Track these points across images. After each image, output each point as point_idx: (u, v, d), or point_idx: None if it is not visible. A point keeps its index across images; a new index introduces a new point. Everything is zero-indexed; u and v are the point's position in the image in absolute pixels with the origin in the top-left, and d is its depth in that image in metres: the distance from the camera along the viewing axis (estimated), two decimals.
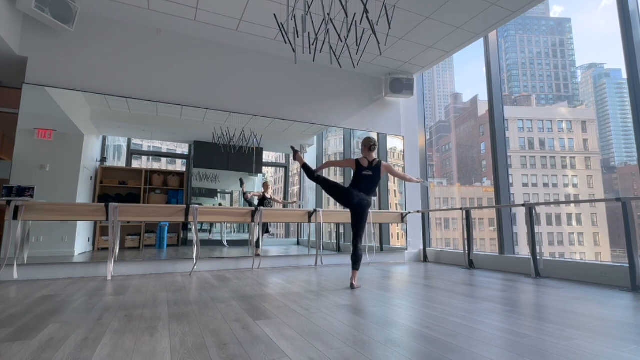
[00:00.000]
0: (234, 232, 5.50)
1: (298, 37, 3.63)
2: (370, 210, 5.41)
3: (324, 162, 3.49)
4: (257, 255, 4.81)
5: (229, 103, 5.00)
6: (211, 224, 5.22)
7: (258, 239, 4.71)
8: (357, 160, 3.46)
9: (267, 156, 5.59)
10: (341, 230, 5.97)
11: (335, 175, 6.04)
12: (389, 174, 3.63)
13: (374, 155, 3.49)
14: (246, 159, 5.25)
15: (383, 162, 3.47)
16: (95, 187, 4.42)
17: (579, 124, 44.79)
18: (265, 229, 5.45)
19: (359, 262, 3.33)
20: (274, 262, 4.93)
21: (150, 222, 4.66)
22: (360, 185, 3.39)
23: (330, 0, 4.11)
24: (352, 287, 3.24)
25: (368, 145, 3.46)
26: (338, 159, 3.32)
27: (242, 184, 5.25)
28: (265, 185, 5.42)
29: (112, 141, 4.67)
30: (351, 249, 3.35)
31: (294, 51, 3.41)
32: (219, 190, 5.21)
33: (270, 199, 5.36)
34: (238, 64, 5.15)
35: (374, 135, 6.17)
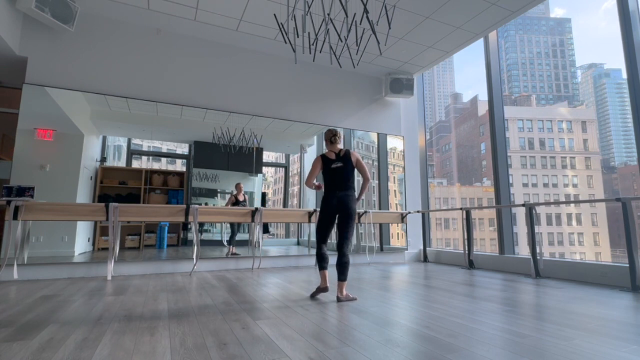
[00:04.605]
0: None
1: (298, 37, 3.64)
2: (370, 211, 5.44)
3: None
4: (233, 254, 4.88)
5: (229, 103, 5.00)
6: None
7: (231, 237, 4.77)
8: (322, 156, 2.99)
9: (267, 156, 5.59)
10: None
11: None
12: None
13: (339, 146, 3.04)
14: (246, 159, 5.25)
15: (352, 151, 3.01)
16: (95, 187, 4.42)
17: (578, 124, 44.83)
18: (265, 228, 5.45)
19: (345, 271, 2.81)
20: (273, 262, 4.94)
21: (150, 222, 4.65)
22: (334, 182, 2.91)
23: (330, 0, 4.11)
24: (338, 300, 2.69)
25: (328, 137, 3.02)
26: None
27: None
28: (238, 187, 5.19)
29: (112, 141, 4.67)
30: (336, 254, 2.90)
31: (294, 51, 3.41)
32: (219, 190, 5.20)
33: (244, 201, 5.18)
34: (238, 64, 5.16)
35: (374, 135, 6.18)
